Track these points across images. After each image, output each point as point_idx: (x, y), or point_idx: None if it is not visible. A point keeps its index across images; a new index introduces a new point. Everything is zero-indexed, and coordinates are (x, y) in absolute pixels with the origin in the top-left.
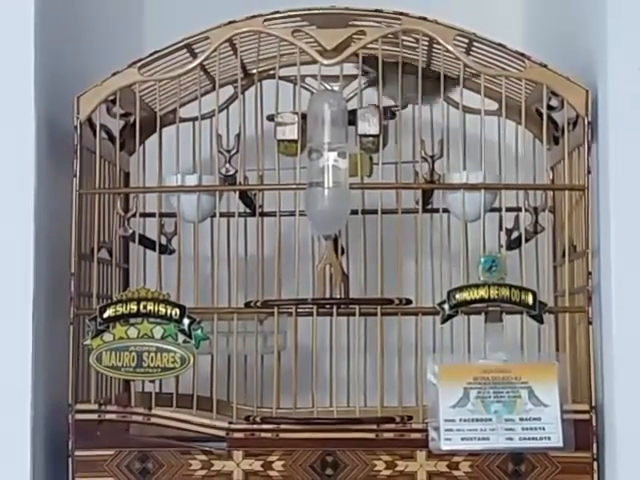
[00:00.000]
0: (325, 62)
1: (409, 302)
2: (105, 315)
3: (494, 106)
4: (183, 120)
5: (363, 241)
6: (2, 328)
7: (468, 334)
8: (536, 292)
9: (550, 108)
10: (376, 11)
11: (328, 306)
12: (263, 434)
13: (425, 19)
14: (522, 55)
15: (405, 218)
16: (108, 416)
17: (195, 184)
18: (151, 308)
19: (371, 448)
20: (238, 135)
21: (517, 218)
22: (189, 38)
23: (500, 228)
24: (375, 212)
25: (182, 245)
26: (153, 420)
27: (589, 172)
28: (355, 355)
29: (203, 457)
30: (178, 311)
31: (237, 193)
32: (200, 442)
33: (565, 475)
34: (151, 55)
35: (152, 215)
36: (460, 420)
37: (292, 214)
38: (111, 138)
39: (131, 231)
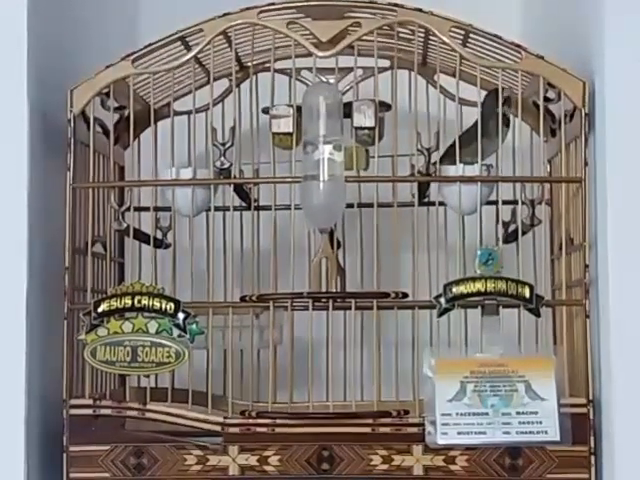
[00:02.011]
0: (320, 54)
1: (405, 296)
2: (99, 310)
3: None
4: (177, 113)
5: (359, 234)
6: None
7: (465, 328)
8: (533, 285)
9: (547, 100)
10: (371, 2)
11: (324, 300)
12: (259, 429)
13: (420, 10)
14: (518, 46)
15: (401, 211)
16: (103, 411)
17: (190, 178)
18: (146, 302)
19: (367, 442)
20: (233, 128)
21: (514, 211)
22: (183, 30)
23: (497, 221)
24: (371, 205)
25: (177, 239)
26: (148, 415)
27: (586, 164)
28: (351, 349)
29: (198, 452)
30: (173, 305)
31: (232, 186)
32: (195, 437)
33: (562, 469)
34: (145, 48)
35: (147, 209)
36: (457, 414)
37: (288, 207)
38: (105, 131)
39: (126, 225)
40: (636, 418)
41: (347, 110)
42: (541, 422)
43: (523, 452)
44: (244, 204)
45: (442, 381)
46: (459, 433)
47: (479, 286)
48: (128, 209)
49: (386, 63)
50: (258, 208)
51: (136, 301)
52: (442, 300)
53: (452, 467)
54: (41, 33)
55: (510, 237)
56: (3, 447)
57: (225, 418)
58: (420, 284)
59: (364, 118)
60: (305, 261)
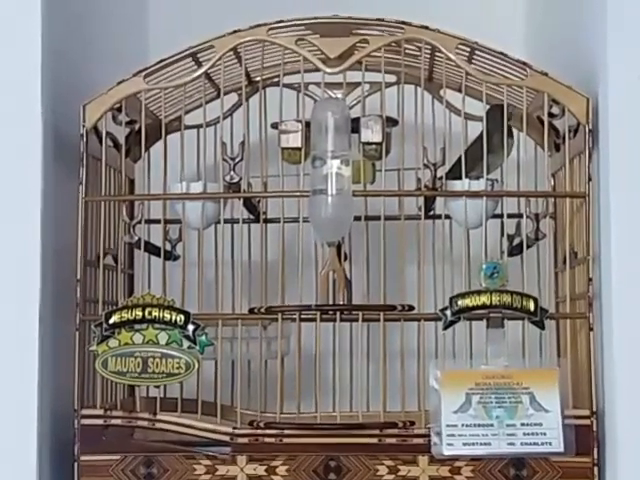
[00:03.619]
0: (328, 70)
1: (411, 308)
2: (110, 321)
3: None
4: (188, 127)
5: (366, 247)
6: (9, 334)
7: (470, 340)
8: (537, 298)
9: (551, 116)
10: (379, 20)
11: (331, 312)
12: (267, 439)
13: (427, 28)
14: (523, 64)
15: (407, 224)
16: (113, 421)
17: (200, 191)
18: (156, 314)
19: (374, 453)
20: (242, 143)
21: (518, 225)
22: (194, 47)
23: (502, 235)
24: (378, 218)
25: (187, 251)
26: (158, 425)
27: (590, 179)
28: (358, 360)
29: (207, 462)
30: (183, 317)
31: (241, 200)
32: (204, 447)
33: None
34: (156, 64)
35: (157, 222)
36: (462, 425)
37: (296, 221)
38: (117, 146)
39: (136, 238)
40: (639, 429)
41: (354, 125)
42: (545, 433)
43: (527, 463)
44: (253, 217)
45: (448, 393)
46: (464, 444)
47: (484, 299)
48: (139, 222)
49: (393, 78)
50: (266, 221)
51: (147, 313)
52: (448, 313)
53: (457, 477)
54: (54, 49)
55: (515, 250)
56: (15, 456)
57: (234, 428)
58: (426, 297)
59: (371, 133)
60: (312, 274)
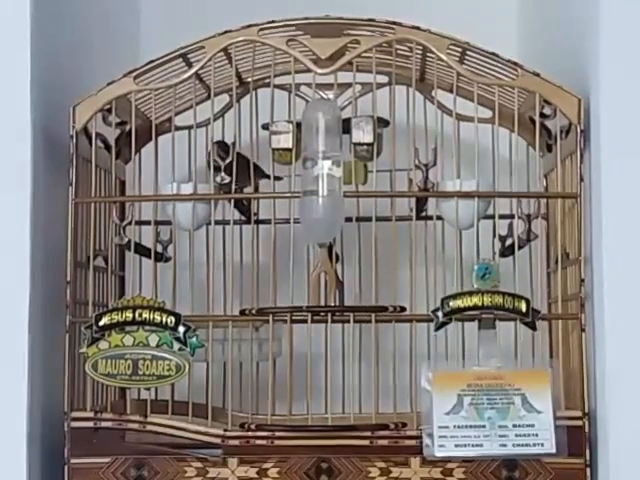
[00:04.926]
0: (319, 71)
1: (403, 309)
2: (101, 323)
3: (488, 114)
4: (178, 129)
5: (358, 248)
6: None
7: (462, 341)
8: (529, 299)
9: (543, 116)
10: (370, 20)
11: (323, 313)
12: (258, 441)
13: (418, 28)
14: (515, 64)
15: (399, 225)
16: (104, 424)
17: (190, 192)
18: (146, 316)
19: (366, 455)
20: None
21: (511, 225)
22: (184, 47)
23: (494, 235)
24: (370, 219)
25: (178, 253)
26: (149, 428)
27: (582, 180)
28: (350, 362)
29: (198, 464)
30: (173, 319)
31: (232, 201)
32: (195, 449)
33: None
34: (147, 65)
35: (148, 223)
36: (454, 427)
37: (287, 222)
38: (107, 147)
39: (127, 239)
40: (631, 430)
41: (346, 126)
42: (537, 435)
43: (519, 464)
44: (244, 218)
45: (439, 394)
46: (456, 445)
47: (476, 300)
48: (129, 223)
49: (384, 79)
50: (258, 222)
51: (137, 315)
52: (439, 314)
53: (449, 479)
54: (44, 51)
55: (507, 251)
56: (5, 459)
57: (225, 430)
58: (418, 298)
59: (362, 134)
60: (304, 275)
